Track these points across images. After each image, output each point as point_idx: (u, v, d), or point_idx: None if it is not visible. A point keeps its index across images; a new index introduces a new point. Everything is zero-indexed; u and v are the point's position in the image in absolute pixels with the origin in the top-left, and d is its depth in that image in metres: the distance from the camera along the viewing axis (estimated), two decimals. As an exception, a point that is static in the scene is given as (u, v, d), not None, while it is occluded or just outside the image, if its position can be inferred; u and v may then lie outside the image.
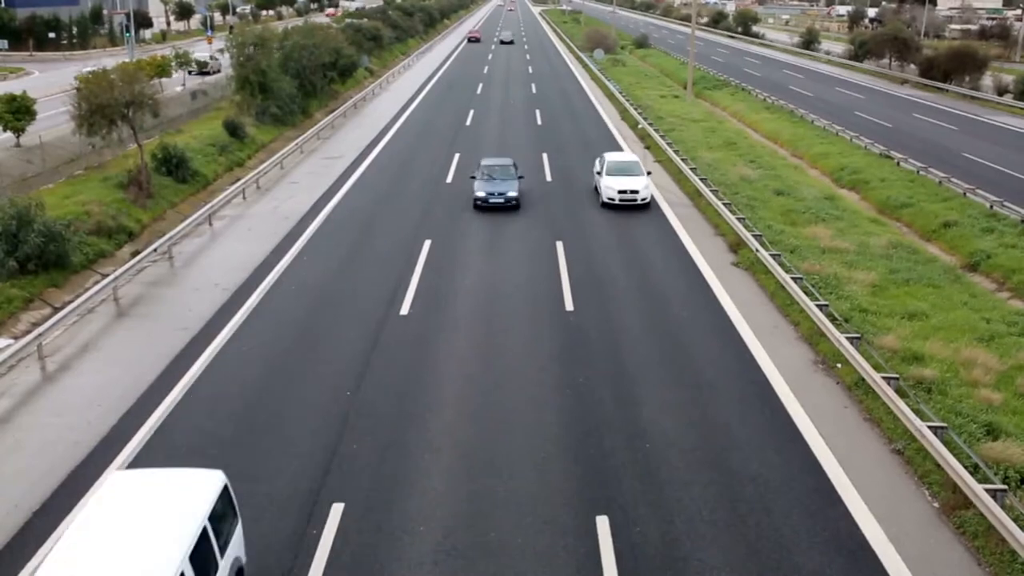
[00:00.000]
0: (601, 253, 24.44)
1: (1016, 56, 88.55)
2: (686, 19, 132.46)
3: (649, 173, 30.45)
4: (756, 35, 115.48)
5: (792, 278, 21.08)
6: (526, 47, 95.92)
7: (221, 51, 49.16)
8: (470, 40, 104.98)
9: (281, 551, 11.86)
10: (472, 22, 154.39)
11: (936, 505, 13.18)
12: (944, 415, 14.97)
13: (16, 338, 19.00)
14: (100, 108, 28.13)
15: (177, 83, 52.06)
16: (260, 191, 32.26)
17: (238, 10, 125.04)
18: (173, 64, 50.56)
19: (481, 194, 28.78)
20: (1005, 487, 12.62)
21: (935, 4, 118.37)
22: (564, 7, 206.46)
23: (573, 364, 17.43)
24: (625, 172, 29.78)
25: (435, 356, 17.80)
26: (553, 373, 17.04)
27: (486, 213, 28.55)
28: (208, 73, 58.78)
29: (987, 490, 12.35)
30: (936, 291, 21.85)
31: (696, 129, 44.71)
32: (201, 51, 64.18)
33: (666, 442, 14.58)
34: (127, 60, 43.10)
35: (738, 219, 26.19)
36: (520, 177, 30.07)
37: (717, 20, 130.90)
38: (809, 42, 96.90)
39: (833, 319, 18.93)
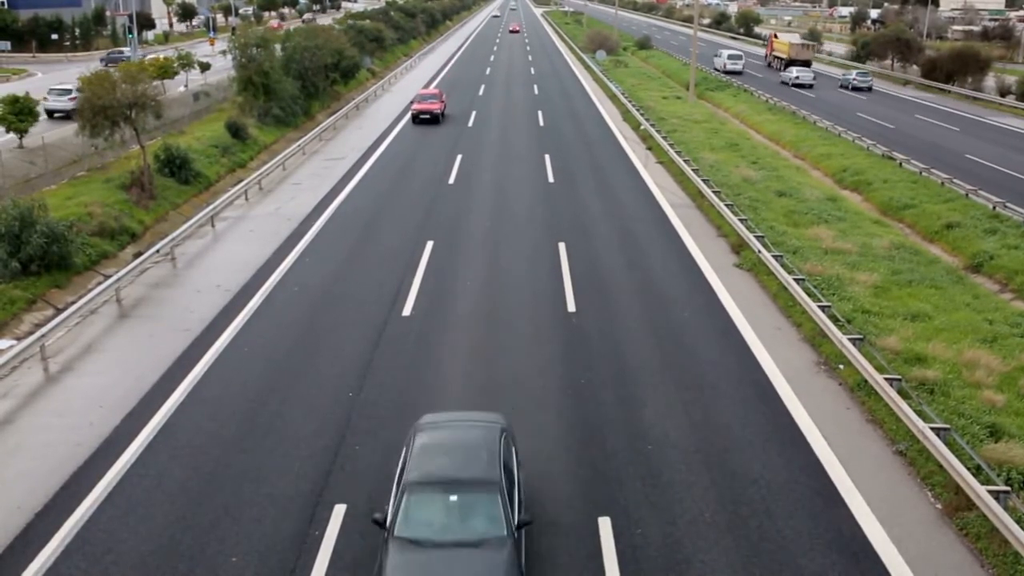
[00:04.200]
0: (603, 254, 24.44)
1: (1018, 57, 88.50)
2: (688, 20, 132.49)
3: None
4: (758, 36, 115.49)
5: (794, 279, 21.07)
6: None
7: (224, 52, 49.18)
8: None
9: (283, 552, 11.86)
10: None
11: (939, 507, 13.16)
12: (947, 416, 14.95)
13: (19, 339, 19.04)
14: (103, 109, 28.18)
15: (180, 84, 52.14)
16: (262, 192, 32.28)
17: (240, 11, 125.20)
18: (176, 65, 50.63)
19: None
20: (1008, 488, 12.60)
21: (937, 5, 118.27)
22: (566, 8, 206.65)
23: (575, 365, 17.42)
24: None
25: (437, 357, 17.80)
26: (555, 374, 17.03)
27: (490, 216, 28.57)
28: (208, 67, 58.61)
29: (990, 492, 12.33)
30: (939, 292, 21.83)
31: (698, 130, 44.71)
32: (203, 53, 64.22)
33: (668, 443, 14.57)
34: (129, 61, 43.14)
35: (740, 220, 26.18)
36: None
37: (719, 21, 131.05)
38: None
39: (835, 320, 18.91)
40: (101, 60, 69.57)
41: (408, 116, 48.25)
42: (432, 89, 52.41)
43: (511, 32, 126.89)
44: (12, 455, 14.38)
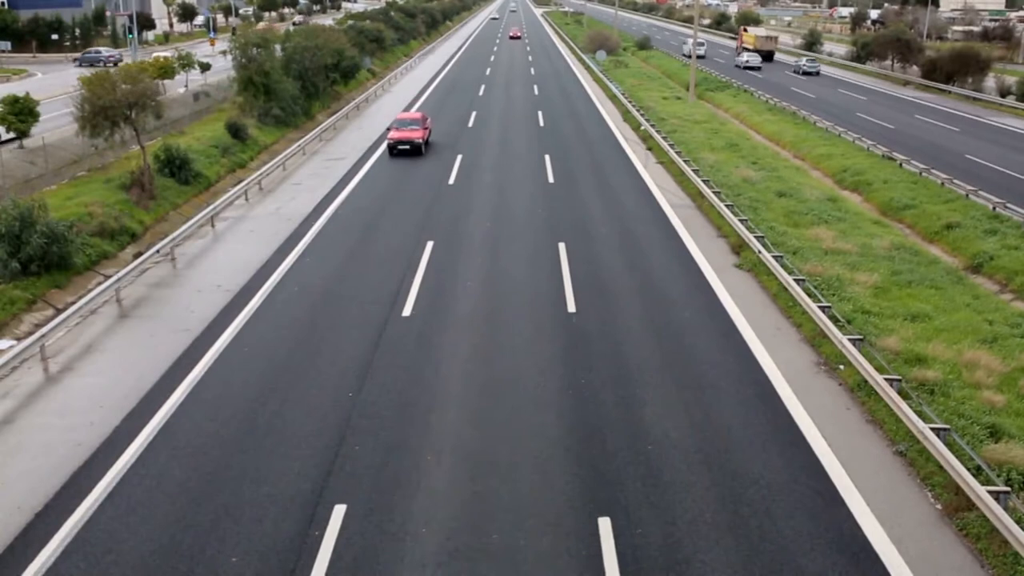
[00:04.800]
0: (603, 254, 24.44)
1: (1019, 58, 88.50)
2: (688, 21, 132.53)
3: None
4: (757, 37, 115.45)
5: (794, 280, 21.07)
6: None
7: (224, 52, 49.23)
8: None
9: (283, 552, 11.87)
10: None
11: (939, 507, 13.17)
12: (947, 417, 14.95)
13: (19, 339, 19.05)
14: (103, 110, 28.19)
15: (180, 84, 52.14)
16: (262, 192, 32.29)
17: (240, 12, 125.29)
18: (176, 66, 50.65)
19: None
20: (1008, 489, 12.61)
21: (937, 5, 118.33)
22: (566, 9, 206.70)
23: (575, 365, 17.42)
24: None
25: (437, 357, 17.80)
26: (556, 374, 17.03)
27: (490, 216, 28.58)
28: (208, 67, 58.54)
29: (990, 492, 12.34)
30: (939, 293, 21.83)
31: (698, 131, 44.72)
32: (203, 53, 64.20)
33: (668, 444, 14.58)
34: (130, 61, 43.17)
35: (740, 221, 26.19)
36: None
37: (719, 22, 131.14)
38: (812, 43, 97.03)
39: (835, 321, 18.91)
40: (75, 60, 69.22)
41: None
42: (413, 112, 43.54)
43: (511, 38, 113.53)
44: (12, 455, 14.39)
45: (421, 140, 38.46)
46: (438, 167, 35.87)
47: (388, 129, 40.23)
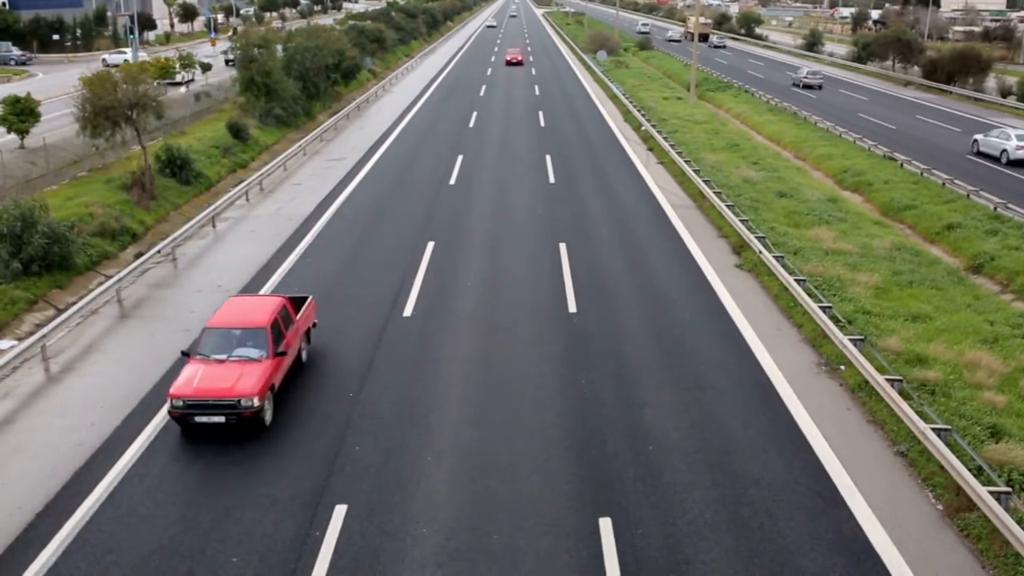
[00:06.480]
0: (604, 254, 24.44)
1: (1020, 58, 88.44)
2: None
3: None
4: (759, 37, 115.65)
5: (795, 280, 21.06)
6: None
7: (225, 52, 49.28)
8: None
9: (284, 553, 11.87)
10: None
11: (939, 507, 13.16)
12: (948, 417, 14.94)
13: (20, 339, 19.06)
14: (104, 110, 28.20)
15: (181, 84, 52.15)
16: (263, 193, 32.30)
17: (241, 12, 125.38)
18: (176, 67, 50.67)
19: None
20: (1009, 489, 12.60)
21: (938, 6, 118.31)
22: (567, 9, 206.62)
23: (576, 366, 17.42)
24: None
25: (438, 357, 17.80)
26: (556, 375, 17.03)
27: (490, 216, 28.56)
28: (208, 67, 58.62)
29: (991, 492, 12.33)
30: (940, 293, 21.82)
31: (699, 131, 44.70)
32: (204, 53, 64.24)
33: (669, 444, 14.57)
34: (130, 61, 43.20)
35: (741, 221, 26.18)
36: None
37: (720, 22, 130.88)
38: (812, 44, 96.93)
39: (836, 321, 18.90)
40: None
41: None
42: (262, 297, 17.89)
43: (508, 64, 78.41)
44: (13, 455, 14.40)
45: (256, 396, 14.57)
46: (439, 167, 35.81)
47: (185, 353, 15.98)
